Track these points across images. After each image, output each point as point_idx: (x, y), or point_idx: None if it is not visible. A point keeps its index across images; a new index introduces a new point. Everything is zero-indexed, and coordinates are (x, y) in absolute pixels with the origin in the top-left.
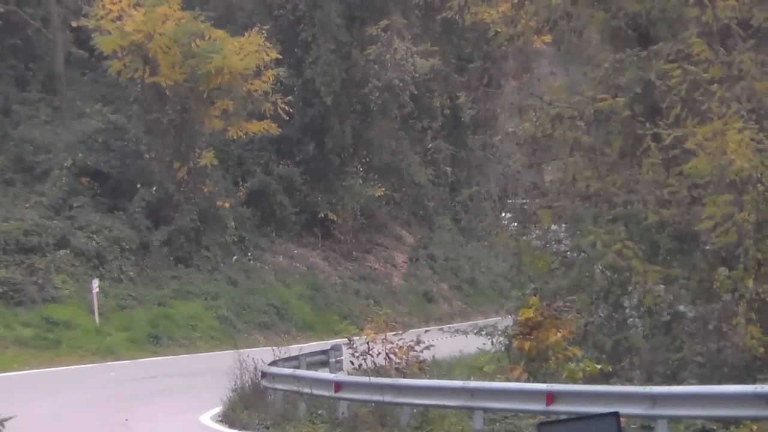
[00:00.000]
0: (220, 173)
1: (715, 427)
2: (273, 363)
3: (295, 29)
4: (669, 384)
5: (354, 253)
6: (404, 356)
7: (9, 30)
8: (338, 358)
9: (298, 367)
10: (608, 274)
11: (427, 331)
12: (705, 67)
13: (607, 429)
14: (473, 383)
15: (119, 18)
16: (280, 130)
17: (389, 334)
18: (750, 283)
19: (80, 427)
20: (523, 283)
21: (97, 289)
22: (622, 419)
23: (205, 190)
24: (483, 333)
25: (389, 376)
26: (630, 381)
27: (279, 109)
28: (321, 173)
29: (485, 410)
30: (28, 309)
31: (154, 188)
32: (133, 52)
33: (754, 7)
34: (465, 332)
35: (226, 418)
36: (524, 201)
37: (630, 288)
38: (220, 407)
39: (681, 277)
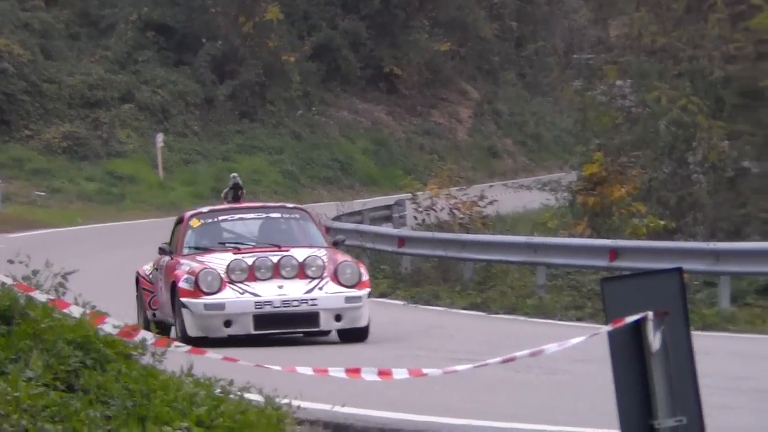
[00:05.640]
0: (286, 27)
1: None
2: (337, 218)
3: None
4: (733, 240)
5: (418, 107)
6: (468, 211)
7: None
8: (402, 213)
9: (361, 222)
10: (673, 129)
11: (491, 186)
12: None
13: (670, 285)
14: (536, 239)
15: None
16: None
17: (453, 189)
18: None
19: None
20: (587, 138)
21: (162, 144)
22: (685, 275)
23: (271, 44)
24: (547, 188)
25: (453, 231)
26: (693, 237)
27: None
28: (386, 28)
29: (548, 266)
30: (92, 163)
31: (219, 42)
32: None
33: None
34: (529, 187)
35: None
36: (590, 56)
37: (694, 143)
38: None
39: (746, 132)
